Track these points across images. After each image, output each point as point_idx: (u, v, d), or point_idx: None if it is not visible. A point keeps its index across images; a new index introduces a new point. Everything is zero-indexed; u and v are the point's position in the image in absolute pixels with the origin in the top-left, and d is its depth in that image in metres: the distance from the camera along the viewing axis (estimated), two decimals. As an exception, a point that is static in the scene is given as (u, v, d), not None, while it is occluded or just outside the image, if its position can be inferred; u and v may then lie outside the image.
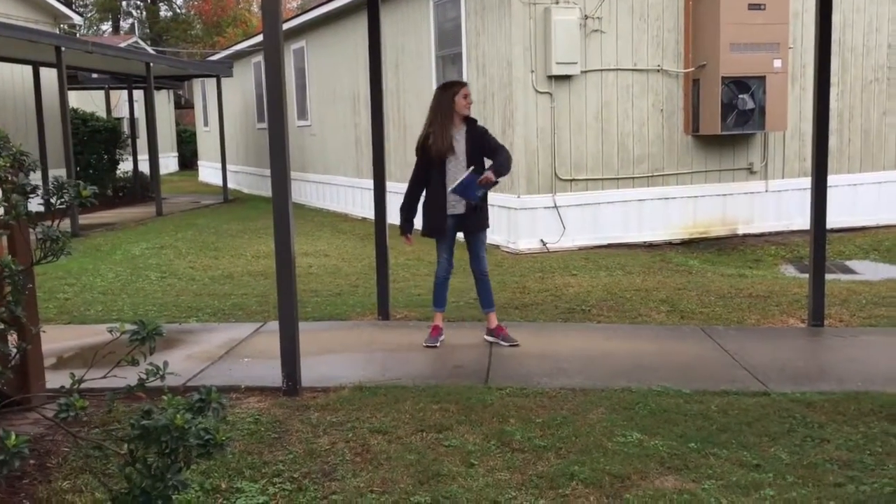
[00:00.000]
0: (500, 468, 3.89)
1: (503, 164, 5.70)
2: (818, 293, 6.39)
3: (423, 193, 5.91)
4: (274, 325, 5.66)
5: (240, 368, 5.53)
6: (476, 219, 5.88)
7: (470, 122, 5.84)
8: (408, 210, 5.94)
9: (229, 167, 20.96)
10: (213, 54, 24.29)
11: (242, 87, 21.41)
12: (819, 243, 6.38)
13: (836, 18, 11.02)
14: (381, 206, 6.99)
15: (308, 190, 17.75)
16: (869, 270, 9.49)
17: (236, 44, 23.12)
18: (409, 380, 5.17)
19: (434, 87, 12.08)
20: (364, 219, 14.21)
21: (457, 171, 5.73)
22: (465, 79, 10.89)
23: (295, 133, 17.89)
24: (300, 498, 3.64)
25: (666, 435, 4.22)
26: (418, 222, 5.95)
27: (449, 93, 5.78)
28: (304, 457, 4.06)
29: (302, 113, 17.67)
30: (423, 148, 5.82)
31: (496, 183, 5.67)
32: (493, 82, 10.65)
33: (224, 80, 20.19)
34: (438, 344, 5.99)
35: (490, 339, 6.06)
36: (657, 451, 4.03)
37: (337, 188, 16.22)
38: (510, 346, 5.94)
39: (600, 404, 4.68)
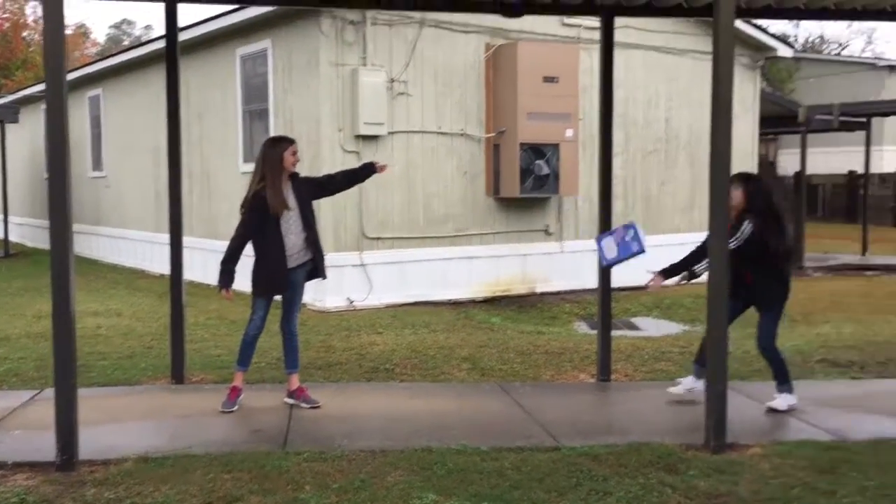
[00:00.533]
0: (294, 538, 3.75)
1: (353, 176, 6.06)
2: (605, 349, 6.77)
3: (255, 249, 5.78)
4: (53, 392, 5.19)
5: (9, 441, 5.02)
6: (314, 271, 5.91)
7: (294, 177, 5.85)
8: (232, 263, 5.75)
9: (13, 219, 19.36)
10: (-2, 97, 22.52)
11: (31, 133, 19.97)
12: (605, 303, 6.79)
13: (620, 94, 11.95)
14: (178, 261, 6.68)
15: (102, 245, 16.71)
16: (651, 327, 10.21)
17: (24, 88, 21.61)
18: (201, 448, 4.90)
19: (240, 141, 11.88)
20: (163, 275, 13.51)
21: (290, 225, 5.71)
22: (272, 134, 10.77)
23: (88, 184, 16.86)
24: (69, 586, 3.31)
25: (461, 495, 4.25)
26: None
27: (278, 149, 5.76)
28: (76, 539, 3.71)
29: (97, 163, 16.72)
30: (255, 203, 5.69)
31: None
32: (301, 139, 10.52)
33: (10, 127, 18.72)
34: (236, 408, 5.75)
35: (290, 401, 5.91)
36: (452, 511, 4.04)
37: (134, 243, 15.38)
38: (311, 407, 5.81)
39: (399, 466, 4.65)
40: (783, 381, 5.76)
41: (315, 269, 5.93)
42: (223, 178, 12.22)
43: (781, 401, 5.77)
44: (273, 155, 5.72)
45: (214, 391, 6.25)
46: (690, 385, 6.00)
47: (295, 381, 5.94)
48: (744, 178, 5.81)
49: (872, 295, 11.70)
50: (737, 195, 5.62)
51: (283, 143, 5.82)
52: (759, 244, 5.60)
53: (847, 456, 4.82)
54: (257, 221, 5.70)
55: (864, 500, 4.18)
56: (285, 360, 6.01)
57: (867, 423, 5.56)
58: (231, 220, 12.32)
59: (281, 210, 5.67)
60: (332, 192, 6.16)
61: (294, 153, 5.77)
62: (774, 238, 5.65)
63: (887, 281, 13.45)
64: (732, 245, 5.43)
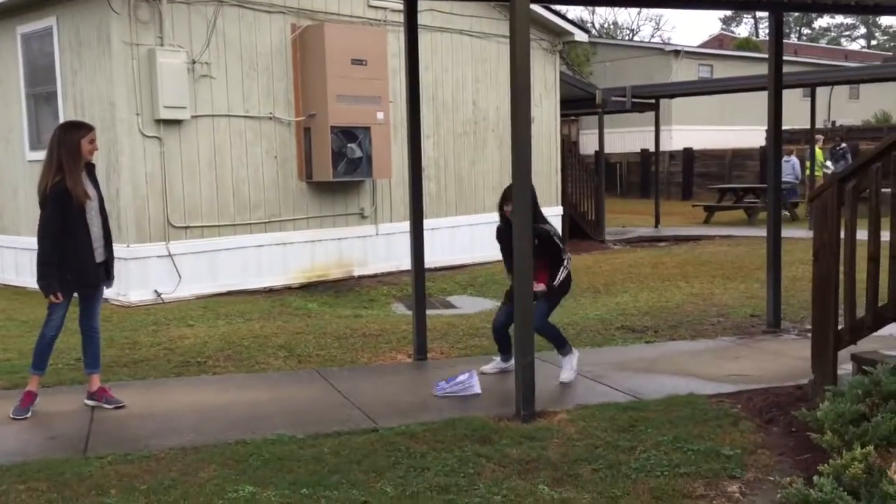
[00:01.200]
0: (98, 548, 3.53)
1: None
2: (420, 329, 6.88)
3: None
4: None
5: None
6: (108, 269, 5.61)
7: (89, 167, 5.53)
8: (53, 262, 5.33)
9: None
10: None
11: None
12: (419, 282, 6.89)
13: (429, 77, 12.16)
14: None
15: None
16: (467, 304, 10.49)
17: None
18: (-10, 460, 4.50)
19: (25, 127, 10.96)
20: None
21: (92, 216, 5.41)
22: (62, 119, 10.01)
23: None
24: None
25: (279, 484, 4.17)
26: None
27: (75, 136, 5.38)
28: None
29: None
30: (54, 195, 5.25)
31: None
32: (95, 124, 9.85)
33: None
34: (29, 415, 5.34)
35: (92, 402, 5.56)
36: (269, 502, 3.96)
37: None
38: (115, 408, 5.51)
39: (212, 461, 4.50)
40: (562, 345, 6.15)
41: (107, 271, 5.64)
42: (8, 168, 11.23)
43: (568, 371, 6.10)
44: (70, 142, 5.35)
45: (3, 398, 5.77)
46: (502, 366, 6.31)
47: (96, 382, 5.61)
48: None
49: (664, 264, 12.65)
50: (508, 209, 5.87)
51: (80, 129, 5.46)
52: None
53: (643, 415, 5.19)
54: (60, 215, 5.31)
55: (660, 454, 4.52)
56: (85, 359, 5.66)
57: (660, 383, 6.02)
58: (19, 211, 11.39)
59: (84, 200, 5.35)
60: None
61: (92, 141, 5.45)
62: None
63: (677, 251, 14.57)
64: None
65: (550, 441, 4.77)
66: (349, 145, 10.89)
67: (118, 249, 9.55)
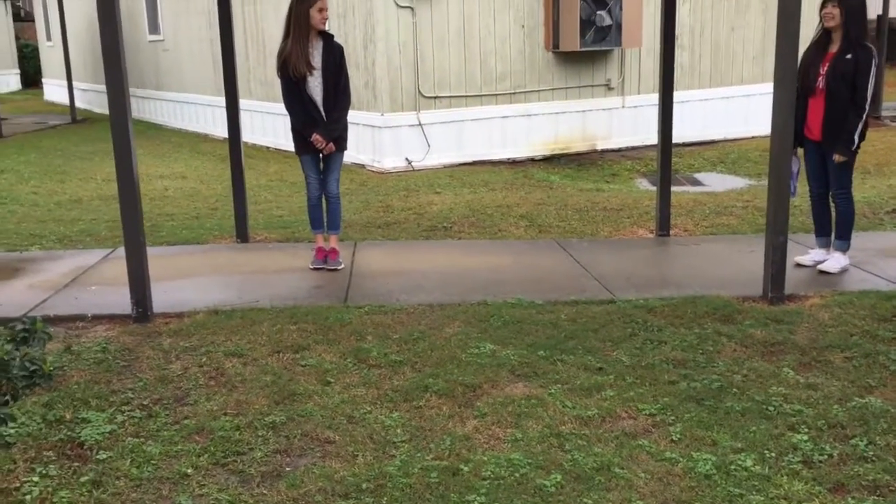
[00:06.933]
0: (357, 384, 3.94)
1: (342, 112, 5.66)
2: (664, 205, 6.69)
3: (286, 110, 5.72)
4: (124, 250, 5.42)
5: (87, 297, 5.30)
6: (334, 138, 5.71)
7: (327, 38, 5.64)
8: (298, 125, 5.66)
9: (77, 85, 19.61)
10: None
11: (88, -2, 19.92)
12: (665, 157, 6.64)
13: (689, -64, 11.26)
14: (235, 124, 6.75)
15: (165, 109, 16.90)
16: (715, 182, 10.01)
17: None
18: (267, 302, 5.11)
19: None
20: (226, 139, 13.69)
21: (316, 86, 5.58)
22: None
23: (147, 48, 16.88)
24: (150, 425, 3.57)
25: (517, 344, 4.36)
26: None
27: (304, 6, 5.55)
28: (154, 383, 3.97)
29: (154, 27, 16.65)
30: (282, 64, 5.61)
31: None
32: (354, -4, 10.33)
33: (66, -9, 18.70)
34: (322, 266, 5.85)
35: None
36: (508, 360, 4.17)
37: (196, 107, 15.52)
38: (332, 269, 5.83)
39: (456, 318, 4.78)
40: (848, 233, 5.57)
41: (339, 138, 5.73)
42: (278, 39, 12.04)
43: (836, 261, 5.54)
44: (300, 12, 5.52)
45: (277, 249, 6.45)
46: (820, 257, 5.69)
47: (333, 241, 5.95)
48: None
49: (952, 146, 11.18)
50: (833, 12, 5.19)
51: None
52: (852, 82, 5.18)
53: (910, 306, 4.76)
54: (285, 82, 5.62)
55: (924, 349, 4.15)
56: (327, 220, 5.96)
57: (933, 275, 5.45)
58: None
59: (302, 70, 5.51)
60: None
61: (321, 10, 5.51)
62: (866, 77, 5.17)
63: (969, 131, 12.77)
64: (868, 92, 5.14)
65: (800, 325, 4.54)
66: (598, 12, 10.50)
67: (373, 118, 10.16)
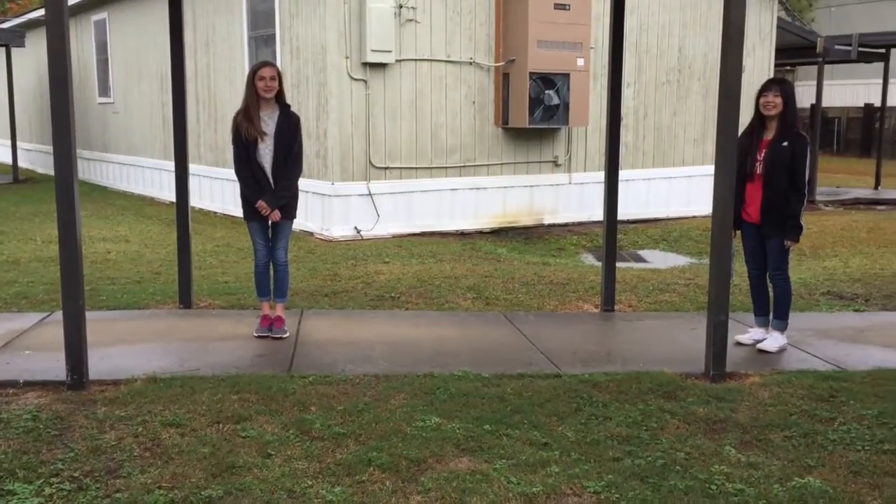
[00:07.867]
0: (298, 457, 3.84)
1: (291, 181, 5.67)
2: (609, 280, 6.80)
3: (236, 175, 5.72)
4: (61, 314, 5.27)
5: (20, 361, 5.12)
6: (281, 206, 5.71)
7: (284, 107, 5.68)
8: (251, 187, 5.66)
9: (21, 145, 19.32)
10: (3, 21, 22.22)
11: (38, 58, 19.77)
12: (611, 233, 6.78)
13: (633, 21, 11.77)
14: (184, 188, 6.69)
15: (111, 171, 16.72)
16: (658, 259, 10.22)
17: (29, 11, 21.31)
18: (208, 370, 4.99)
19: (246, 68, 11.74)
20: (172, 203, 13.52)
21: (266, 153, 5.60)
22: (278, 62, 10.64)
23: (96, 111, 16.78)
24: (80, 498, 3.42)
25: (463, 418, 4.33)
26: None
27: (251, 74, 5.65)
28: (86, 454, 3.82)
29: (104, 90, 16.59)
30: (234, 129, 5.67)
31: None
32: (308, 66, 10.48)
33: (16, 51, 18.55)
34: (266, 334, 5.77)
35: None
36: (454, 434, 4.12)
37: (143, 170, 15.39)
38: (276, 338, 5.75)
39: (402, 390, 4.73)
40: (786, 314, 5.70)
41: (287, 206, 5.72)
42: (230, 106, 12.12)
43: (774, 341, 5.64)
44: (249, 79, 5.62)
45: (221, 316, 6.34)
46: (759, 336, 5.77)
47: (279, 309, 5.89)
48: (779, 80, 5.54)
49: (882, 229, 11.64)
50: (776, 101, 5.37)
51: (255, 67, 5.62)
52: (789, 168, 5.35)
53: (846, 385, 4.87)
54: (236, 148, 5.67)
55: (862, 428, 4.24)
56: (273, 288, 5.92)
57: (867, 354, 5.61)
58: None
59: (253, 135, 5.56)
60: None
61: (262, 79, 5.51)
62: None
63: (898, 216, 13.34)
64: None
65: (740, 403, 4.60)
66: (547, 92, 10.81)
67: (323, 186, 10.19)
